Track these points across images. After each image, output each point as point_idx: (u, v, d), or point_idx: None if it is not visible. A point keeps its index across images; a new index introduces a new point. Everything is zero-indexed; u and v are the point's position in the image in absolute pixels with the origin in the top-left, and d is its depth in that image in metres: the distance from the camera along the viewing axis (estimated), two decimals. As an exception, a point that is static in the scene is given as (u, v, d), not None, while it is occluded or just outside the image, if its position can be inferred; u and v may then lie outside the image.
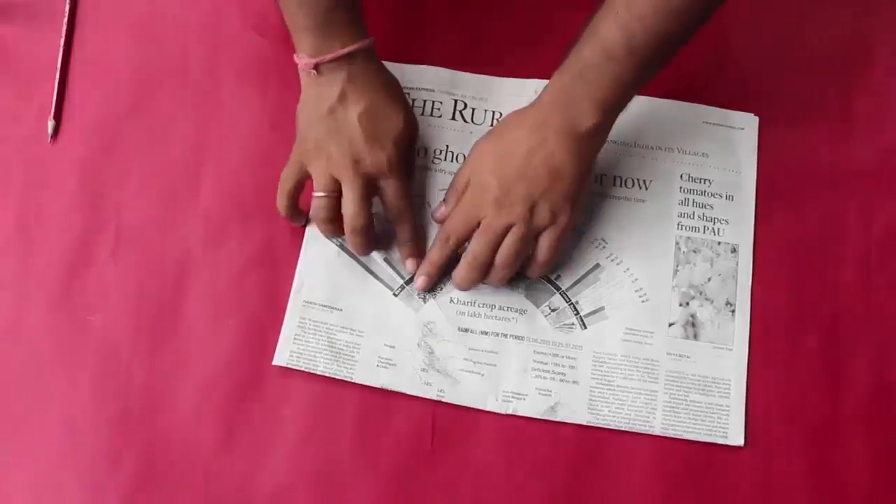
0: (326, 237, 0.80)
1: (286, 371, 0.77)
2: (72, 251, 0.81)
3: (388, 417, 0.77)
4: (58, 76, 0.86)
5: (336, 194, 0.77)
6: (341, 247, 0.81)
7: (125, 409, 0.77)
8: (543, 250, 0.77)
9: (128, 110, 0.86)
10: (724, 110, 0.86)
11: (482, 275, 0.77)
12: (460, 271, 0.78)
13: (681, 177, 0.84)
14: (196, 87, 0.86)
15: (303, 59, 0.76)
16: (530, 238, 0.76)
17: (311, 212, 0.79)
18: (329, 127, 0.77)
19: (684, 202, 0.83)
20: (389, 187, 0.78)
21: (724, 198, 0.83)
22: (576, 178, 0.76)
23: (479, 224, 0.76)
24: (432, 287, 0.79)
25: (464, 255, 0.77)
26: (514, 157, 0.76)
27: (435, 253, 0.78)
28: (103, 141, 0.85)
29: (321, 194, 0.77)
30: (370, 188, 0.77)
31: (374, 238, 0.80)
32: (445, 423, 0.77)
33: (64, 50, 0.86)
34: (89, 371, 0.78)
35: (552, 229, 0.76)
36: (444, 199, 0.80)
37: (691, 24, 0.73)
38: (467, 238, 0.77)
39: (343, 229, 0.78)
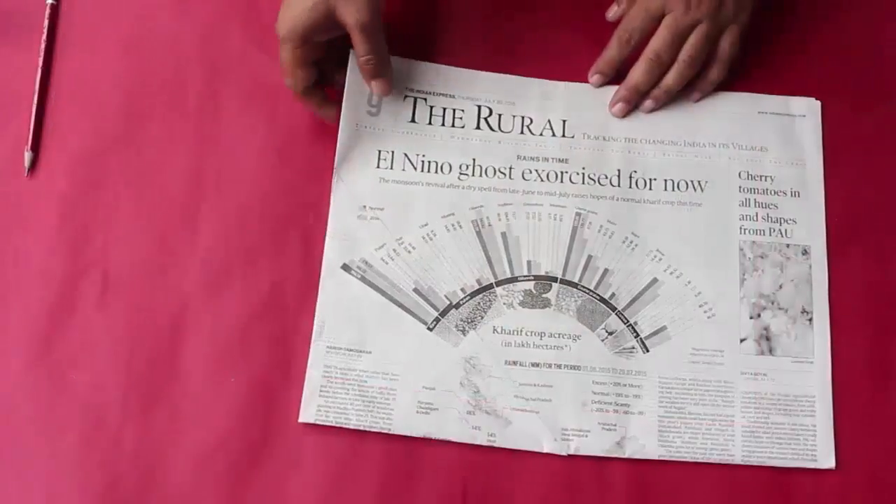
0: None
1: (298, 434, 0.70)
2: (52, 299, 0.73)
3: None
4: (35, 101, 0.78)
5: None
6: (363, 279, 0.73)
7: (114, 480, 0.69)
8: (727, 48, 0.77)
9: (116, 140, 0.77)
10: (781, 97, 0.78)
11: (662, 74, 0.77)
12: (639, 69, 0.77)
13: (739, 175, 0.76)
14: (193, 112, 0.78)
15: None
16: (714, 37, 0.76)
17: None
18: None
19: (745, 203, 0.75)
20: None
21: (789, 195, 0.76)
22: None
23: (660, 22, 0.76)
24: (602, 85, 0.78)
25: (644, 53, 0.76)
26: None
27: (613, 52, 0.77)
28: (88, 175, 0.77)
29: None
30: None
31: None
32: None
33: (42, 72, 0.79)
34: (72, 437, 0.70)
35: (734, 27, 0.77)
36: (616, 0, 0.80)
37: None
38: (649, 36, 0.76)
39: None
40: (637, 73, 0.76)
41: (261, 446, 0.70)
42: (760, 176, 0.76)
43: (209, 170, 0.77)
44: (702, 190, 0.76)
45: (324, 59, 0.74)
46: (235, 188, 0.76)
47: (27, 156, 0.77)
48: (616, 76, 0.78)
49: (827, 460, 0.69)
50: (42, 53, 0.80)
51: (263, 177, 0.77)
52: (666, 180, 0.76)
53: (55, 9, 0.81)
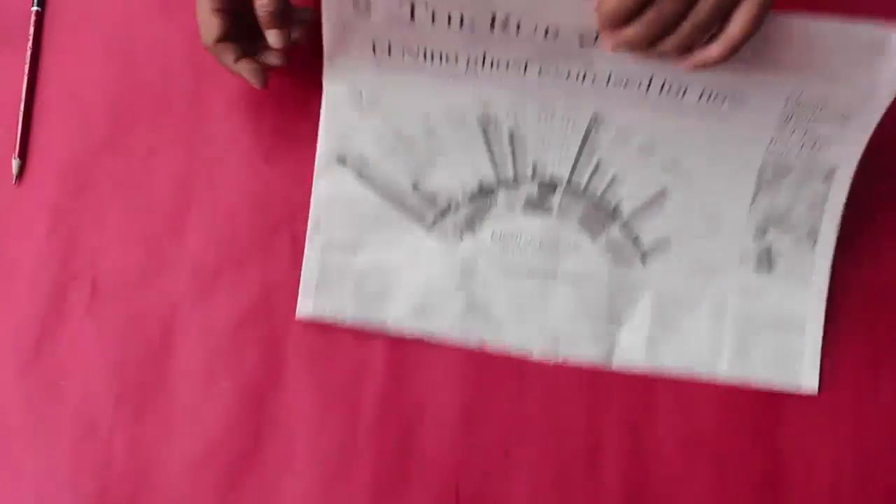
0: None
1: (288, 437, 0.70)
2: (41, 307, 0.71)
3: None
4: (22, 108, 0.73)
5: None
6: (360, 175, 0.69)
7: (105, 488, 0.69)
8: (745, 22, 0.59)
9: (103, 146, 0.73)
10: (876, 28, 0.62)
11: (663, 33, 0.59)
12: (640, 25, 0.59)
13: (787, 101, 0.66)
14: (180, 116, 0.73)
15: None
16: (729, 5, 0.59)
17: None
18: None
19: (782, 125, 0.67)
20: None
21: (839, 117, 0.66)
22: None
23: None
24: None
25: (649, 9, 0.58)
26: None
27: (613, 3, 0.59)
28: (76, 181, 0.73)
29: None
30: None
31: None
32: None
33: (29, 79, 0.74)
34: (64, 445, 0.69)
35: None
36: None
37: None
38: None
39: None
40: (638, 28, 0.59)
41: (253, 449, 0.70)
42: (812, 105, 0.66)
43: (197, 174, 0.73)
44: (738, 105, 0.66)
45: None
46: (224, 192, 0.73)
47: (15, 163, 0.73)
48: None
49: (810, 383, 0.70)
50: (28, 61, 0.75)
51: (251, 180, 0.73)
52: (703, 90, 0.66)
53: (40, 15, 0.74)
